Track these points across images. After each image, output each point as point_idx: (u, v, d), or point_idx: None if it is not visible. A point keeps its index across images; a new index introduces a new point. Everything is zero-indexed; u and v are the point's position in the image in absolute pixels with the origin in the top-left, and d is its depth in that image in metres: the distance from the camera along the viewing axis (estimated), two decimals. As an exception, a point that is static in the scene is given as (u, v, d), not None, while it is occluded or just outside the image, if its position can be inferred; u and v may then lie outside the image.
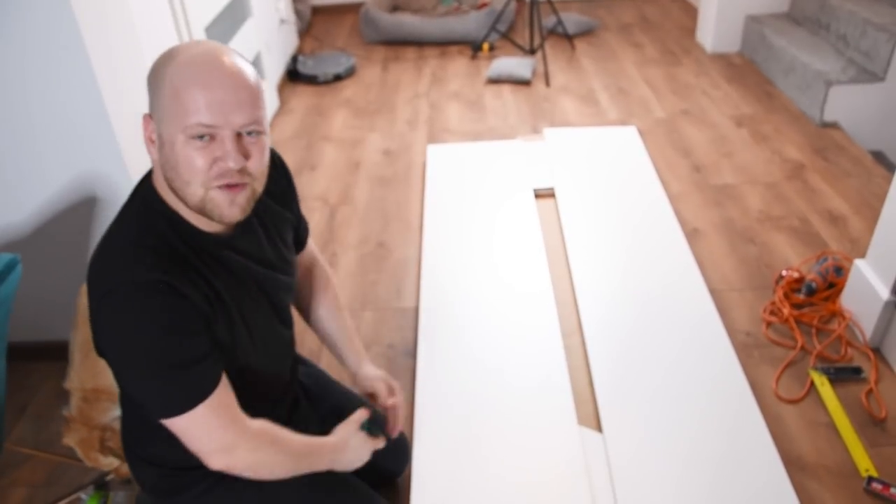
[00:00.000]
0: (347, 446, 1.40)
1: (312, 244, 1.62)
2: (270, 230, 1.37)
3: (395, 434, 1.53)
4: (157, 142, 1.15)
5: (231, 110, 1.11)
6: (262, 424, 1.27)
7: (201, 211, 1.16)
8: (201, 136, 1.10)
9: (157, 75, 1.13)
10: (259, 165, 1.17)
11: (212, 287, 1.21)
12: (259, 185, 1.20)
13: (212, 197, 1.14)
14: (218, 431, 1.20)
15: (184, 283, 1.15)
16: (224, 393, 1.21)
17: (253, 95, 1.14)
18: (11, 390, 2.09)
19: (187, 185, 1.13)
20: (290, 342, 1.51)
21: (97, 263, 1.18)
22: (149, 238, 1.17)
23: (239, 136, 1.13)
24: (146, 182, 1.24)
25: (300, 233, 1.53)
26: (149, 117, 1.16)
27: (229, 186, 1.14)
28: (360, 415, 1.44)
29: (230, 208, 1.16)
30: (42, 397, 2.19)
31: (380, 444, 1.46)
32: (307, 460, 1.33)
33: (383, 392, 1.53)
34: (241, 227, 1.28)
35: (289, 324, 1.47)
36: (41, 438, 2.06)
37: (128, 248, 1.16)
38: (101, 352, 1.21)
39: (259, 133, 1.16)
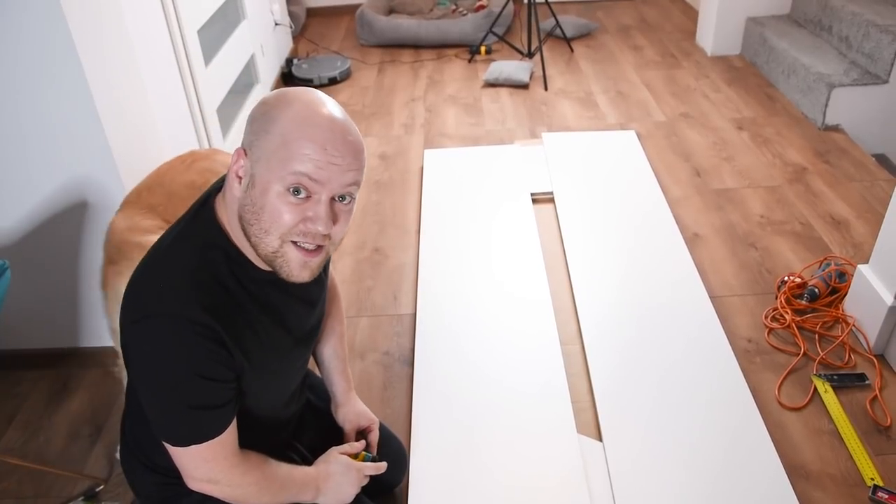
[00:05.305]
0: (330, 477, 1.43)
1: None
2: None
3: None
4: (247, 181, 1.12)
5: (337, 174, 1.09)
6: (254, 462, 1.30)
7: (270, 263, 1.15)
8: (297, 192, 1.08)
9: (268, 119, 1.10)
10: (341, 232, 1.17)
11: (255, 331, 1.21)
12: (333, 250, 1.20)
13: (286, 253, 1.13)
14: (208, 465, 1.23)
15: (227, 330, 1.15)
16: (227, 434, 1.23)
17: (360, 164, 1.13)
18: (-1, 399, 2.07)
19: (266, 235, 1.11)
20: (305, 371, 1.53)
21: (146, 280, 1.17)
22: (205, 273, 1.15)
23: (332, 199, 1.12)
24: (208, 207, 1.21)
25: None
26: (242, 152, 1.13)
27: (307, 250, 1.14)
28: (348, 448, 1.50)
29: (301, 270, 1.16)
30: (31, 406, 2.16)
31: (364, 480, 1.49)
32: (289, 492, 1.36)
33: (357, 431, 1.60)
34: None
35: (309, 357, 1.49)
36: (29, 448, 2.02)
37: (182, 278, 1.14)
38: (126, 359, 1.21)
39: (352, 199, 1.15)
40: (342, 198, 1.13)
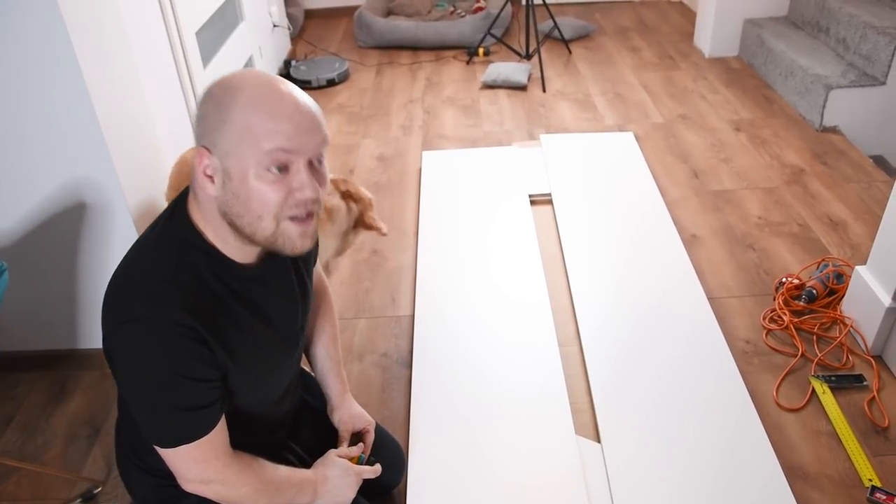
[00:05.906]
0: (328, 480, 1.43)
1: (318, 263, 1.61)
2: (298, 262, 1.37)
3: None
4: (219, 177, 1.11)
5: (307, 138, 1.10)
6: (247, 462, 1.30)
7: (271, 245, 1.15)
8: (276, 168, 1.08)
9: (222, 110, 1.08)
10: (324, 192, 1.17)
11: (238, 329, 1.21)
12: (321, 212, 1.20)
13: (284, 230, 1.13)
14: (199, 465, 1.23)
15: (209, 328, 1.14)
16: (216, 433, 1.22)
17: (323, 122, 1.14)
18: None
19: (259, 220, 1.11)
20: (298, 370, 1.52)
21: (125, 286, 1.16)
22: (185, 274, 1.15)
23: (310, 163, 1.12)
24: (181, 210, 1.20)
25: (314, 251, 1.52)
26: (205, 150, 1.11)
27: (301, 220, 1.14)
28: (346, 451, 1.51)
29: (302, 240, 1.16)
30: (29, 408, 2.15)
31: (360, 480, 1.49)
32: (286, 495, 1.36)
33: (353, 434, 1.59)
34: (273, 261, 1.27)
35: (300, 354, 1.48)
36: (27, 450, 2.02)
37: (161, 281, 1.13)
38: (110, 364, 1.20)
39: (322, 158, 1.16)
40: (319, 160, 1.14)
